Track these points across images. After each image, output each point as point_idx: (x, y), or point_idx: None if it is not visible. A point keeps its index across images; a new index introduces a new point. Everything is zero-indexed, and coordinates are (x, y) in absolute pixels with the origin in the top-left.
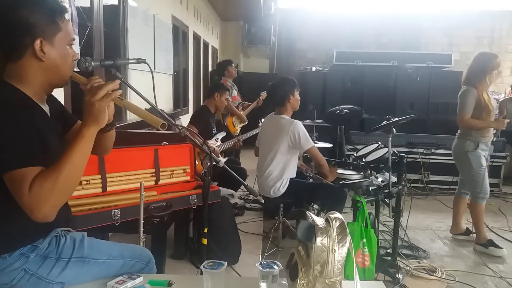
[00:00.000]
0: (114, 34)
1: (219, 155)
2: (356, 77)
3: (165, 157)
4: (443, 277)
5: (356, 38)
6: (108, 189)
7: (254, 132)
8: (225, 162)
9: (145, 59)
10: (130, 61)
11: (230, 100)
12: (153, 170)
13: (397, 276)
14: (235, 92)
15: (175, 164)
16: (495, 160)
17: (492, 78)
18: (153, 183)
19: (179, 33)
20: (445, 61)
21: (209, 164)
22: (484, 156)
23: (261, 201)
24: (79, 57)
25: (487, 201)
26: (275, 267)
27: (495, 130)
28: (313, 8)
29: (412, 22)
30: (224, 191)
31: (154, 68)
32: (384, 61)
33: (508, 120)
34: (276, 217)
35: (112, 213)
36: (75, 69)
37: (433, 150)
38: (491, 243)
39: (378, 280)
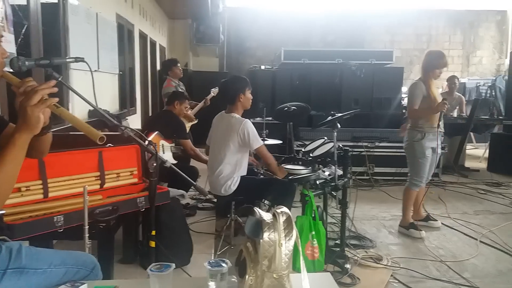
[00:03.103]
0: (54, 33)
1: (170, 155)
2: (303, 74)
3: (110, 159)
4: (389, 264)
5: (303, 36)
6: (50, 194)
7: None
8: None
9: (83, 58)
10: (67, 60)
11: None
12: (98, 174)
13: (345, 266)
14: None
15: (121, 166)
16: None
17: (435, 75)
18: (98, 186)
19: (124, 31)
20: (387, 58)
21: (155, 165)
22: (431, 147)
23: (214, 200)
24: (13, 56)
25: (428, 189)
26: (224, 265)
27: (442, 122)
28: (261, 7)
29: (357, 20)
30: (174, 191)
31: (98, 68)
32: (330, 58)
33: (447, 103)
34: (228, 215)
35: (55, 220)
36: (9, 70)
37: (377, 144)
38: (412, 225)
39: (328, 271)
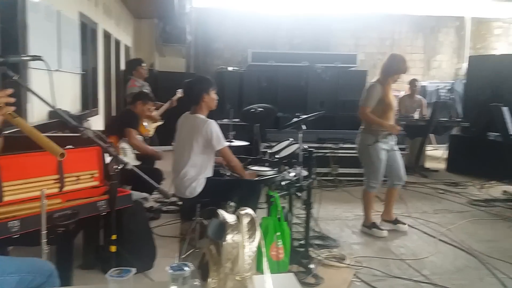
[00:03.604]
0: (11, 31)
1: (132, 157)
2: (270, 76)
3: (70, 162)
4: (351, 264)
5: (270, 38)
6: (6, 198)
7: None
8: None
9: (41, 56)
10: (24, 58)
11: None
12: (57, 176)
13: (309, 266)
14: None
15: (81, 169)
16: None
17: (395, 79)
18: (57, 190)
19: (87, 30)
20: (351, 61)
21: (115, 167)
22: (385, 149)
23: (179, 203)
24: None
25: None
26: (186, 268)
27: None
28: (228, 8)
29: (322, 24)
30: (136, 194)
31: (60, 67)
32: (296, 61)
33: (400, 129)
34: (193, 218)
35: (9, 225)
36: None
37: (341, 145)
38: (374, 225)
39: (292, 271)
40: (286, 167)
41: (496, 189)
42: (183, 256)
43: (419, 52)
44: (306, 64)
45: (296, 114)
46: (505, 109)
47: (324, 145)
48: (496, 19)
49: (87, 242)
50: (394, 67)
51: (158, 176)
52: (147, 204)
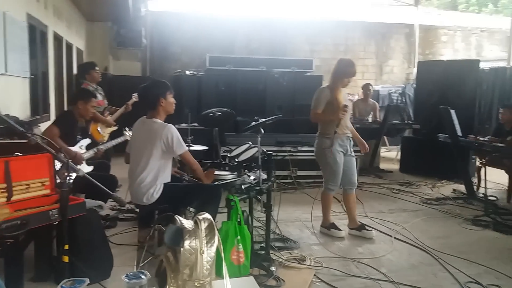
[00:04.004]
0: None
1: (84, 163)
2: (229, 81)
3: (19, 170)
4: (311, 264)
5: (228, 43)
6: None
7: (119, 140)
8: (92, 170)
9: None
10: None
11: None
12: (4, 185)
13: (270, 268)
14: (100, 97)
15: (31, 177)
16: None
17: (344, 83)
18: (4, 199)
19: (36, 33)
20: (307, 66)
21: (66, 174)
22: (341, 151)
23: (136, 210)
24: None
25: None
26: (143, 277)
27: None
28: (185, 12)
29: (279, 29)
30: (91, 202)
31: (6, 71)
32: (254, 66)
33: (344, 112)
34: (151, 225)
35: None
36: None
37: (299, 148)
38: (332, 226)
39: (254, 275)
40: (246, 171)
41: (447, 188)
42: (141, 265)
43: (371, 58)
44: (263, 69)
45: (255, 118)
46: (452, 112)
47: (283, 148)
48: (443, 27)
49: (39, 253)
50: (341, 71)
51: (113, 183)
52: (103, 212)
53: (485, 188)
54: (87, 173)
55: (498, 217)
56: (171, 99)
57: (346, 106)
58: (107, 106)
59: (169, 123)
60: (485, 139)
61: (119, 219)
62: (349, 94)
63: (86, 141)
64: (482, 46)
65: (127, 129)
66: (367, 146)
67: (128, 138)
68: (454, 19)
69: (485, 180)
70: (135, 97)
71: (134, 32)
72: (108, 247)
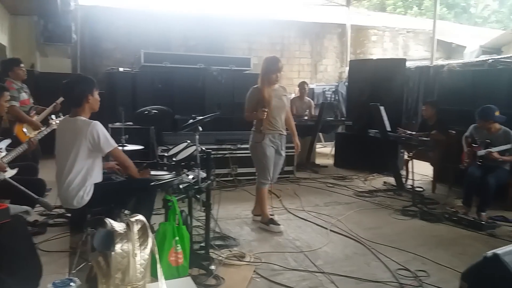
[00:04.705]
0: None
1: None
2: (166, 78)
3: None
4: (251, 261)
5: (164, 39)
6: None
7: (49, 129)
8: (18, 173)
9: None
10: None
11: (18, 104)
12: None
13: (210, 268)
14: (25, 95)
15: None
16: (289, 151)
17: (271, 79)
18: None
19: None
20: (245, 64)
21: None
22: (272, 147)
23: (67, 214)
24: None
25: (285, 185)
26: (72, 284)
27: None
28: (118, 6)
29: (216, 27)
30: (16, 208)
31: None
32: (191, 63)
33: (267, 110)
34: (84, 229)
35: None
36: None
37: (239, 146)
38: (271, 221)
39: (193, 275)
40: (185, 170)
41: (378, 181)
42: (74, 271)
43: (306, 57)
44: (202, 67)
45: (193, 115)
46: (382, 108)
47: (223, 146)
48: (372, 27)
49: None
50: (267, 69)
51: (41, 186)
52: (30, 218)
53: (413, 180)
54: (11, 177)
55: (424, 207)
56: (97, 96)
57: (264, 107)
58: (33, 106)
59: (100, 121)
60: (408, 133)
61: (49, 225)
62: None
63: (6, 142)
64: (408, 46)
65: (53, 117)
66: (298, 148)
67: (55, 127)
68: (383, 20)
69: (412, 172)
70: None
71: (63, 27)
72: (36, 254)
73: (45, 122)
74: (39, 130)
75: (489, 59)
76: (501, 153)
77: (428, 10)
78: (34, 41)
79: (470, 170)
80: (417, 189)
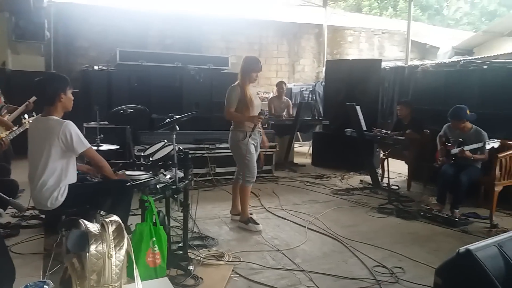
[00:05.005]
0: None
1: None
2: (142, 77)
3: None
4: (230, 260)
5: (140, 38)
6: None
7: (21, 129)
8: None
9: None
10: None
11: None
12: None
13: (188, 268)
14: None
15: None
16: (268, 150)
17: (251, 79)
18: None
19: None
20: (223, 63)
21: None
22: (253, 144)
23: (42, 216)
24: None
25: (263, 185)
26: (45, 286)
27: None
28: (93, 3)
29: (193, 25)
30: None
31: None
32: (168, 62)
33: (263, 117)
34: (59, 231)
35: None
36: None
37: (217, 145)
38: (250, 220)
39: (171, 275)
40: (162, 170)
41: (354, 179)
42: (48, 274)
43: (284, 57)
44: (179, 65)
45: (170, 114)
46: (358, 108)
47: (201, 145)
48: (349, 28)
49: None
50: (246, 67)
51: (13, 188)
52: (2, 220)
53: (388, 178)
54: None
55: (400, 205)
56: (70, 95)
57: (261, 113)
58: (5, 105)
59: (74, 121)
60: (384, 133)
61: (22, 227)
62: (265, 92)
63: None
64: (383, 47)
65: (26, 116)
66: (266, 144)
67: (28, 127)
68: (359, 21)
69: (388, 170)
70: None
71: (35, 24)
72: (8, 257)
73: (17, 121)
74: (11, 130)
75: (461, 60)
76: (473, 151)
77: (402, 12)
78: (6, 38)
79: (444, 169)
80: (393, 187)
